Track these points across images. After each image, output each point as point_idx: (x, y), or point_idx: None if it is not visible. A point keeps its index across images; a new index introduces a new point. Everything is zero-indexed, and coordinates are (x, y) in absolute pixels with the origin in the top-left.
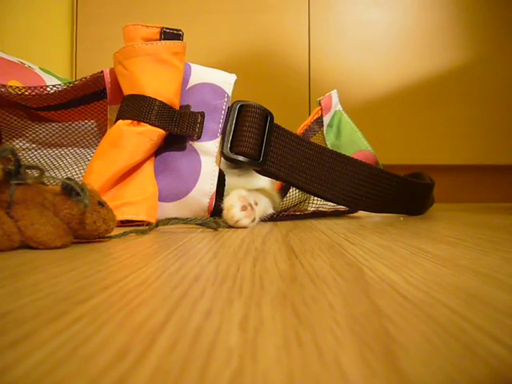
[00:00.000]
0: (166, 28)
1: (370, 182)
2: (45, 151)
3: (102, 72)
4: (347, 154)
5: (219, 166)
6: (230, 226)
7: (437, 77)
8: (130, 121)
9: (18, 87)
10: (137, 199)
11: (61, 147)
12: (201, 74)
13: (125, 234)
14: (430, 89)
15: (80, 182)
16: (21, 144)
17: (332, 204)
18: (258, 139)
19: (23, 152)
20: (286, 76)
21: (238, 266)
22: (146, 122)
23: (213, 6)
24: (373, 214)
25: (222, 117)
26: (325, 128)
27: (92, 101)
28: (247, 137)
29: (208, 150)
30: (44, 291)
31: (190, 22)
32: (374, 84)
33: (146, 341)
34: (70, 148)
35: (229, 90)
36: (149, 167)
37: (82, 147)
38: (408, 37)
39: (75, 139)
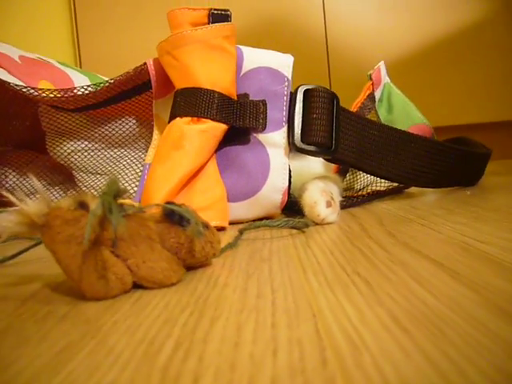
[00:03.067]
0: (214, 9)
1: (432, 158)
2: (92, 153)
3: (144, 64)
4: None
5: (289, 157)
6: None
7: (457, 33)
8: (188, 118)
9: (49, 89)
10: (206, 204)
11: (105, 149)
12: (254, 58)
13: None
14: (450, 47)
15: (183, 207)
16: (70, 146)
17: (384, 181)
18: (328, 126)
19: (71, 155)
20: (303, 45)
21: None
22: (207, 118)
23: None
24: (426, 189)
25: (285, 104)
26: (376, 104)
27: (132, 95)
28: (318, 125)
29: (275, 142)
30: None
31: None
32: (394, 45)
33: None
34: (112, 149)
35: (288, 73)
36: (212, 167)
37: (123, 148)
38: None
39: (117, 139)
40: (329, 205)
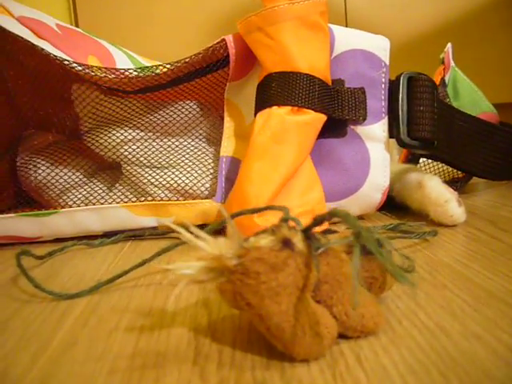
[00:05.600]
0: None
1: (508, 149)
2: (146, 143)
3: (222, 40)
4: None
5: (390, 153)
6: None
7: (486, 5)
8: (288, 107)
9: (99, 68)
10: (306, 209)
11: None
12: (347, 39)
13: None
14: (478, 21)
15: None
16: (119, 135)
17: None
18: (433, 119)
19: (120, 146)
20: None
21: None
22: (309, 108)
23: None
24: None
25: (383, 92)
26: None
27: (196, 77)
28: (425, 118)
29: (374, 135)
30: None
31: None
32: (418, 19)
33: None
34: (169, 139)
35: (385, 57)
36: (309, 164)
37: (182, 136)
38: None
39: (175, 126)
40: (460, 203)
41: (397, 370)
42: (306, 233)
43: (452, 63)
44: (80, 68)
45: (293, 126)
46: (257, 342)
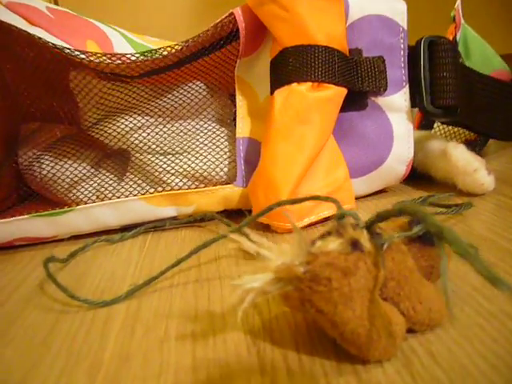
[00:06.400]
0: None
1: None
2: (156, 129)
3: (231, 14)
4: None
5: (413, 123)
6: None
7: None
8: (309, 83)
9: (104, 54)
10: (333, 188)
11: (168, 121)
12: (361, 3)
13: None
14: None
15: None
16: (128, 123)
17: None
18: (456, 85)
19: (129, 134)
20: None
21: None
22: (330, 83)
23: None
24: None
25: (403, 59)
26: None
27: (203, 55)
28: (448, 84)
29: (396, 105)
30: None
31: None
32: None
33: None
34: (179, 122)
35: (403, 21)
36: (331, 141)
37: (191, 119)
38: None
39: (185, 108)
40: (489, 171)
41: (475, 366)
42: (370, 229)
43: (462, 20)
44: (83, 56)
45: (315, 104)
46: (320, 343)
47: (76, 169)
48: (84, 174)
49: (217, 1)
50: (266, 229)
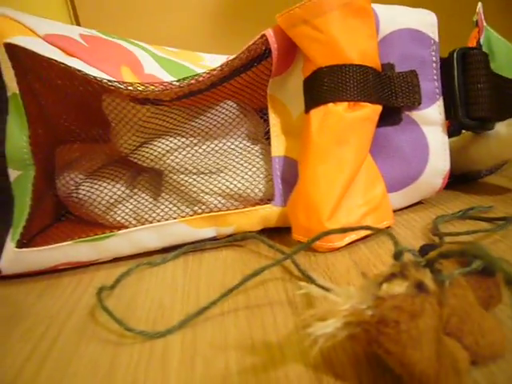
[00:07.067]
0: None
1: None
2: (192, 150)
3: (262, 37)
4: None
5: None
6: None
7: None
8: (345, 103)
9: (136, 83)
10: (372, 206)
11: (206, 140)
12: (391, 17)
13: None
14: None
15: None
16: (165, 146)
17: None
18: (491, 96)
19: (166, 157)
20: None
21: None
22: (365, 101)
23: None
24: None
25: (435, 72)
26: None
27: (236, 75)
28: (483, 96)
29: (431, 119)
30: None
31: None
32: None
33: None
34: (213, 142)
35: (434, 34)
36: (368, 157)
37: (225, 138)
38: None
39: (218, 129)
40: None
41: None
42: (431, 267)
43: (484, 23)
44: (122, 86)
45: (352, 124)
46: (383, 379)
47: (111, 190)
48: (119, 196)
49: (234, 13)
50: (309, 249)
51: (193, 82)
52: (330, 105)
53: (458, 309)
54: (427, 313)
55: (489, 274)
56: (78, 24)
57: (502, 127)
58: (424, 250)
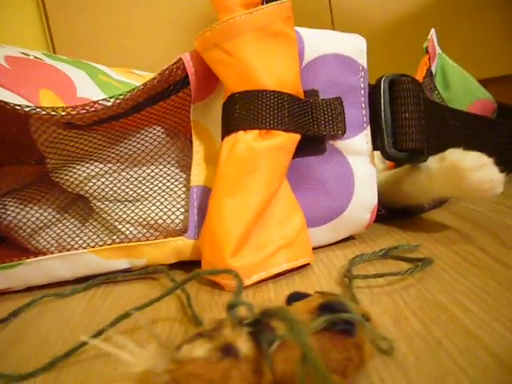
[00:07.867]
0: None
1: (506, 143)
2: (111, 178)
3: (179, 60)
4: (462, 109)
5: (376, 166)
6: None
7: None
8: (256, 131)
9: (61, 107)
10: (288, 240)
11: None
12: (318, 42)
13: None
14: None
15: (337, 300)
16: (82, 172)
17: None
18: (421, 126)
19: (84, 183)
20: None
21: None
22: (278, 129)
23: None
24: None
25: (363, 99)
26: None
27: (158, 100)
28: (411, 126)
29: (357, 148)
30: None
31: None
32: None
33: None
34: (134, 169)
35: (363, 60)
36: (285, 188)
37: (148, 165)
38: None
39: (140, 155)
40: (499, 170)
41: None
42: (256, 326)
43: (438, 50)
44: (34, 111)
45: (262, 153)
46: None
47: (41, 214)
48: (49, 220)
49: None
50: (216, 286)
51: (104, 106)
52: (240, 133)
53: (290, 375)
54: (233, 381)
55: (348, 333)
56: (54, 50)
57: (433, 162)
58: (291, 299)
